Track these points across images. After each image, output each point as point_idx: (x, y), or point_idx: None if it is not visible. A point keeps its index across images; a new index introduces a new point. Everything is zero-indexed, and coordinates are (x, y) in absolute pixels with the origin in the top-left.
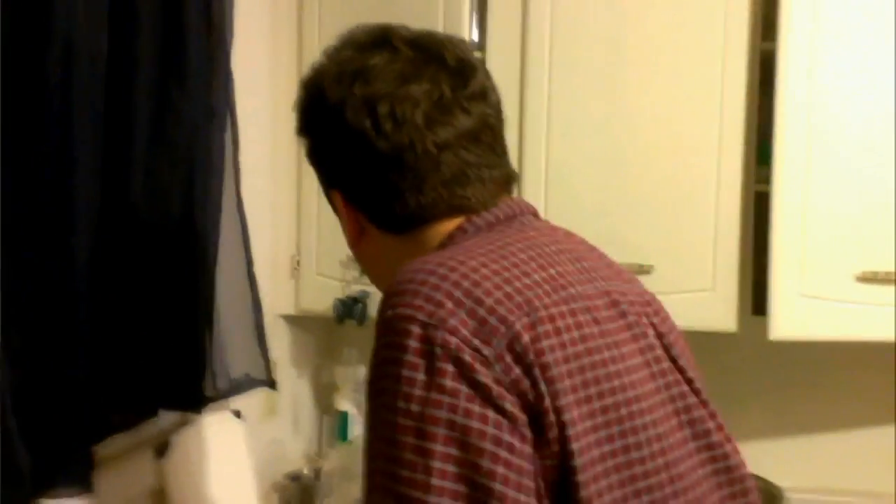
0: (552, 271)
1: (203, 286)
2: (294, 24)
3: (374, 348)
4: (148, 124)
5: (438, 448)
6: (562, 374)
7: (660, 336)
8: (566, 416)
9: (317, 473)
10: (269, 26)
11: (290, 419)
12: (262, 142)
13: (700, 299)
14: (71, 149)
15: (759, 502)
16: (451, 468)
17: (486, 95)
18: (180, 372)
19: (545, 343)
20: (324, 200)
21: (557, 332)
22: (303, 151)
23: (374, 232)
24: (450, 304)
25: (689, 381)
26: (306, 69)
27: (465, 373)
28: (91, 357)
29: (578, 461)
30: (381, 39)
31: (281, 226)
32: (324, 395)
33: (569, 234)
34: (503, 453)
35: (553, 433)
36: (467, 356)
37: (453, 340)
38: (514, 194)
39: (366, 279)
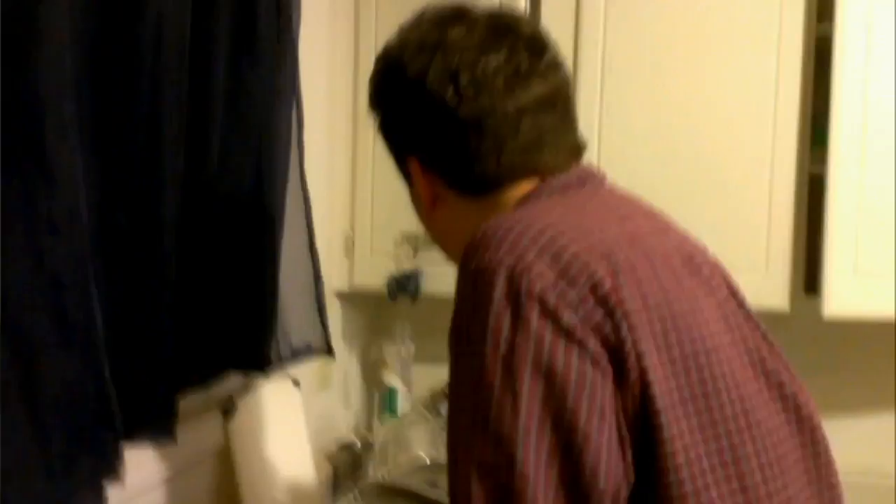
0: (628, 226)
1: (270, 255)
2: (351, 8)
3: (458, 299)
4: (224, 101)
5: (526, 387)
6: (643, 322)
7: (733, 292)
8: (647, 361)
9: (367, 445)
10: (327, 10)
11: (341, 393)
12: (319, 122)
13: (752, 279)
14: (160, 122)
15: (830, 453)
16: (537, 405)
17: (559, 67)
18: (249, 336)
19: (626, 291)
20: (378, 180)
21: (638, 281)
22: (373, 126)
23: (450, 197)
24: (533, 254)
25: (764, 335)
26: (363, 53)
27: (550, 315)
28: (175, 315)
29: (660, 404)
30: (457, 14)
31: (336, 204)
32: (372, 372)
33: (639, 199)
34: (587, 390)
35: (634, 376)
36: (552, 300)
37: (539, 284)
38: None
39: (421, 256)
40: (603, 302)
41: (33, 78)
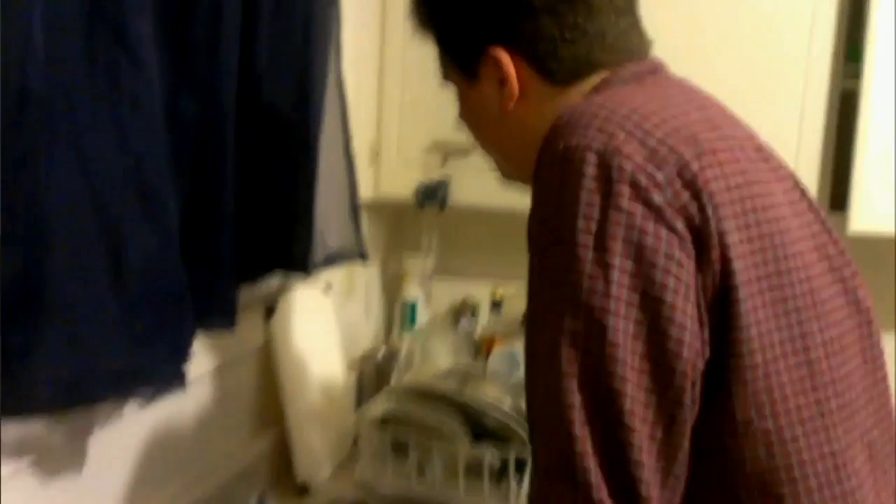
0: (707, 113)
1: (311, 159)
2: None
3: (542, 180)
4: None
5: (617, 261)
6: (724, 202)
7: (796, 183)
8: (728, 239)
9: (389, 353)
10: None
11: (363, 303)
12: (346, 23)
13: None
14: (220, 13)
15: (881, 344)
16: (627, 279)
17: None
18: (293, 239)
19: (710, 172)
20: (408, 84)
21: (720, 164)
22: (419, 25)
23: (534, 89)
24: (622, 135)
25: (825, 226)
26: None
27: (640, 194)
28: (233, 211)
29: (739, 279)
30: None
31: (362, 111)
32: (393, 283)
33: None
34: (674, 267)
35: (716, 253)
36: (642, 179)
37: (629, 165)
38: None
39: (451, 164)
40: (689, 184)
41: None
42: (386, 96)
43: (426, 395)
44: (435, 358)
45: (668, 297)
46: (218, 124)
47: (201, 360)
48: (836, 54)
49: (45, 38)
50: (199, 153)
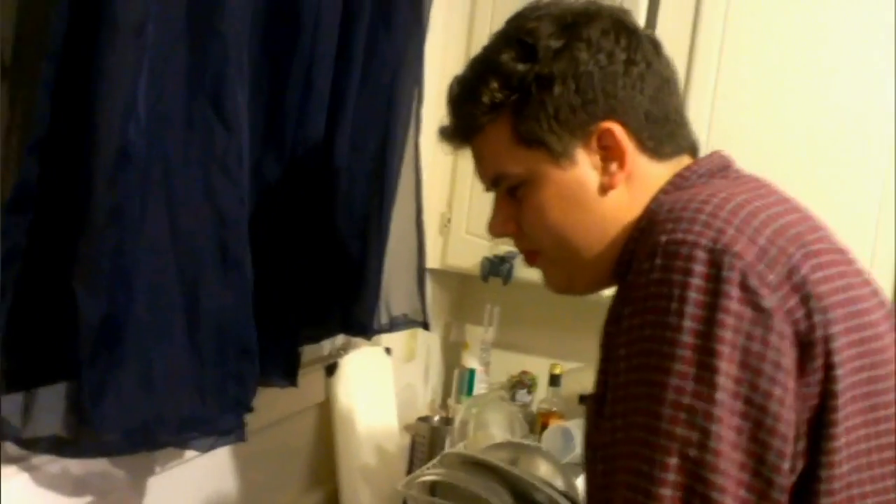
0: (803, 213)
1: (382, 225)
2: None
3: (641, 272)
4: (360, 67)
5: (723, 366)
6: (833, 305)
7: (873, 283)
8: (833, 344)
9: (444, 420)
10: None
11: (422, 368)
12: (428, 100)
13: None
14: (312, 81)
15: None
16: (732, 385)
17: None
18: (357, 302)
19: (818, 275)
20: None
21: (824, 266)
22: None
23: (640, 165)
24: (732, 231)
25: None
26: (477, 30)
27: (750, 297)
28: (304, 273)
29: (840, 385)
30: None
31: (435, 183)
32: (452, 351)
33: None
34: (781, 376)
35: (819, 362)
36: (754, 281)
37: (739, 265)
38: None
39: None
40: (798, 287)
41: (220, 25)
42: (459, 170)
43: (478, 466)
44: (489, 428)
45: (773, 406)
46: (298, 189)
47: (263, 412)
48: None
49: (146, 103)
50: (277, 215)
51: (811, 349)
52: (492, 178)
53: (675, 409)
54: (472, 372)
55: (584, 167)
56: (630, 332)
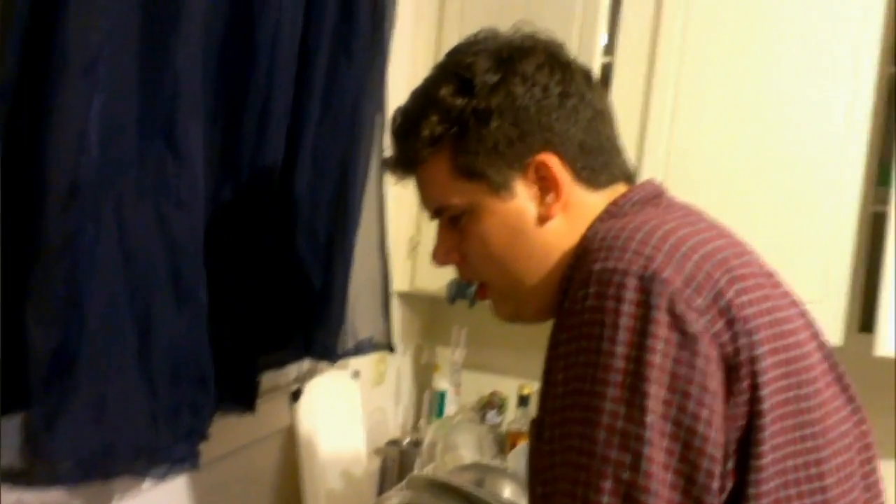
0: (729, 238)
1: (346, 251)
2: (435, 17)
3: (576, 299)
4: (321, 95)
5: (652, 389)
6: (758, 327)
7: (799, 305)
8: (758, 366)
9: (414, 442)
10: (412, 14)
11: (392, 390)
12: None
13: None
14: (269, 112)
15: (879, 471)
16: (660, 408)
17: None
18: (321, 326)
19: (744, 298)
20: None
21: (749, 290)
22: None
23: (575, 194)
24: (661, 258)
25: (831, 352)
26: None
27: (677, 322)
28: (262, 299)
29: (765, 405)
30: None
31: (403, 207)
32: (423, 373)
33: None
34: (707, 398)
35: (745, 383)
36: (681, 306)
37: (668, 290)
38: None
39: None
40: (724, 311)
41: (173, 59)
42: None
43: (443, 488)
44: (458, 450)
45: (701, 427)
46: (257, 215)
47: (225, 439)
48: (867, 177)
49: (98, 137)
50: (235, 243)
51: (737, 371)
52: (434, 208)
53: (608, 433)
54: (442, 394)
55: (523, 198)
56: (566, 358)
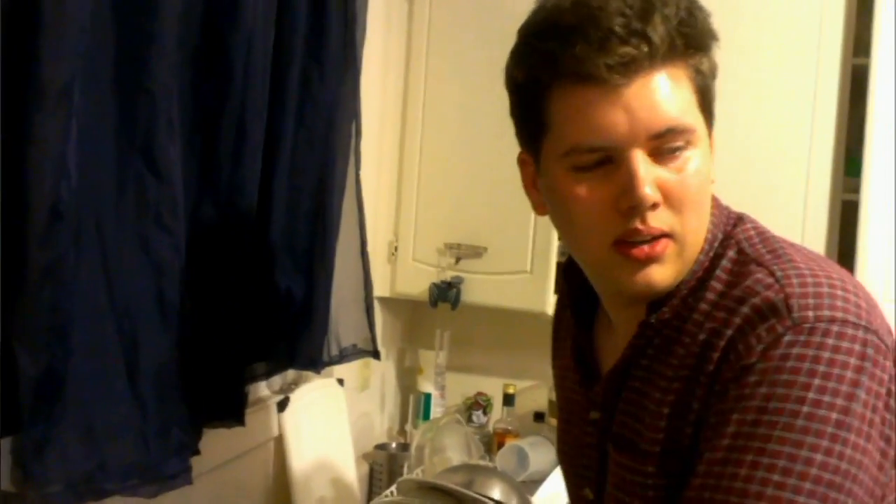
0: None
1: (327, 260)
2: (405, 22)
3: (785, 348)
4: (295, 108)
5: (871, 443)
6: None
7: None
8: None
9: (401, 446)
10: (382, 25)
11: (378, 395)
12: (370, 132)
13: None
14: (245, 126)
15: None
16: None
17: None
18: (306, 337)
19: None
20: (423, 189)
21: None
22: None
23: None
24: (865, 306)
25: None
26: (413, 68)
27: (888, 369)
28: (247, 313)
29: None
30: None
31: (381, 213)
32: (407, 377)
33: None
34: None
35: None
36: (884, 355)
37: (884, 339)
38: None
39: (461, 266)
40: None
41: (147, 80)
42: (404, 198)
43: (433, 490)
44: (446, 452)
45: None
46: (237, 231)
47: (214, 453)
48: (835, 167)
49: (77, 161)
50: (217, 257)
51: None
52: (666, 127)
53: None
54: (427, 396)
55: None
56: (771, 395)
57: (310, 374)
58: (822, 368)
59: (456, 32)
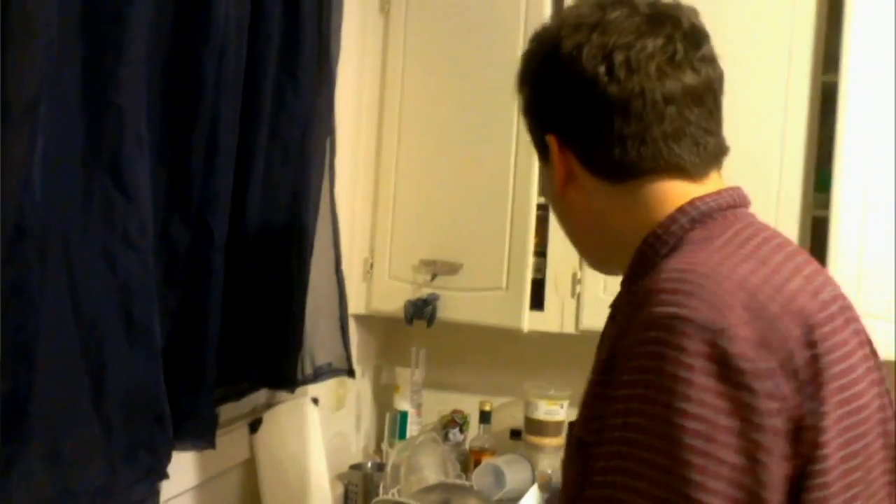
0: (804, 274)
1: (301, 277)
2: (380, 37)
3: (635, 342)
4: (269, 123)
5: (720, 452)
6: (828, 393)
7: (870, 342)
8: (824, 423)
9: (377, 465)
10: (357, 40)
11: (353, 414)
12: (345, 148)
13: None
14: (216, 142)
15: None
16: (725, 472)
17: (715, 62)
18: (278, 355)
19: (817, 363)
20: (399, 206)
21: (824, 341)
22: (520, 105)
23: (585, 180)
24: (734, 313)
25: (884, 388)
26: (389, 83)
27: (742, 381)
28: (217, 333)
29: (827, 464)
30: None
31: (356, 229)
32: (383, 395)
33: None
34: (773, 460)
35: (807, 449)
36: (746, 366)
37: (733, 350)
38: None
39: (437, 283)
40: (793, 375)
41: (115, 93)
42: (380, 215)
43: None
44: (422, 471)
45: (766, 493)
46: (208, 249)
47: (185, 475)
48: (805, 183)
49: (42, 177)
50: (187, 277)
51: (802, 433)
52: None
53: (672, 483)
54: (404, 415)
55: (554, 164)
56: (618, 384)
57: (283, 393)
58: (653, 362)
59: (432, 47)
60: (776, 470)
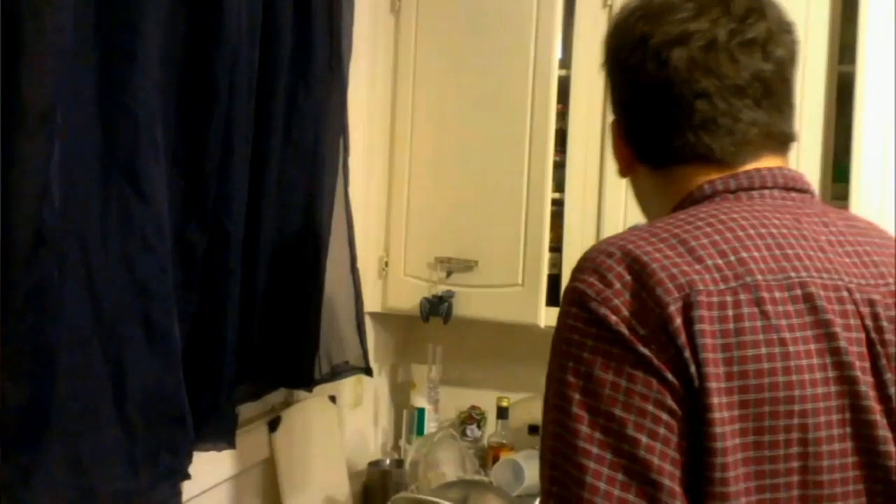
0: (734, 258)
1: (317, 277)
2: (391, 37)
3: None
4: (282, 124)
5: (601, 406)
6: (708, 360)
7: (872, 343)
8: (709, 400)
9: (395, 462)
10: (369, 41)
11: (371, 412)
12: (358, 147)
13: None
14: (231, 145)
15: None
16: (601, 420)
17: (767, 46)
18: (296, 354)
19: (696, 327)
20: (413, 204)
21: (711, 319)
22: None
23: (637, 165)
24: (617, 285)
25: (887, 398)
26: (401, 83)
27: (627, 344)
28: (236, 334)
29: (718, 444)
30: None
31: (371, 228)
32: (400, 392)
33: (830, 220)
34: (665, 416)
35: (699, 411)
36: (626, 331)
37: (614, 318)
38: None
39: (452, 280)
40: (672, 340)
41: (130, 103)
42: (394, 213)
43: None
44: (440, 467)
45: (642, 453)
46: (224, 251)
47: (206, 475)
48: (824, 175)
49: (61, 184)
50: (205, 279)
51: (692, 398)
52: None
53: (559, 442)
54: (421, 411)
55: (619, 148)
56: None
57: (301, 392)
58: (559, 330)
59: (443, 45)
60: (660, 421)
